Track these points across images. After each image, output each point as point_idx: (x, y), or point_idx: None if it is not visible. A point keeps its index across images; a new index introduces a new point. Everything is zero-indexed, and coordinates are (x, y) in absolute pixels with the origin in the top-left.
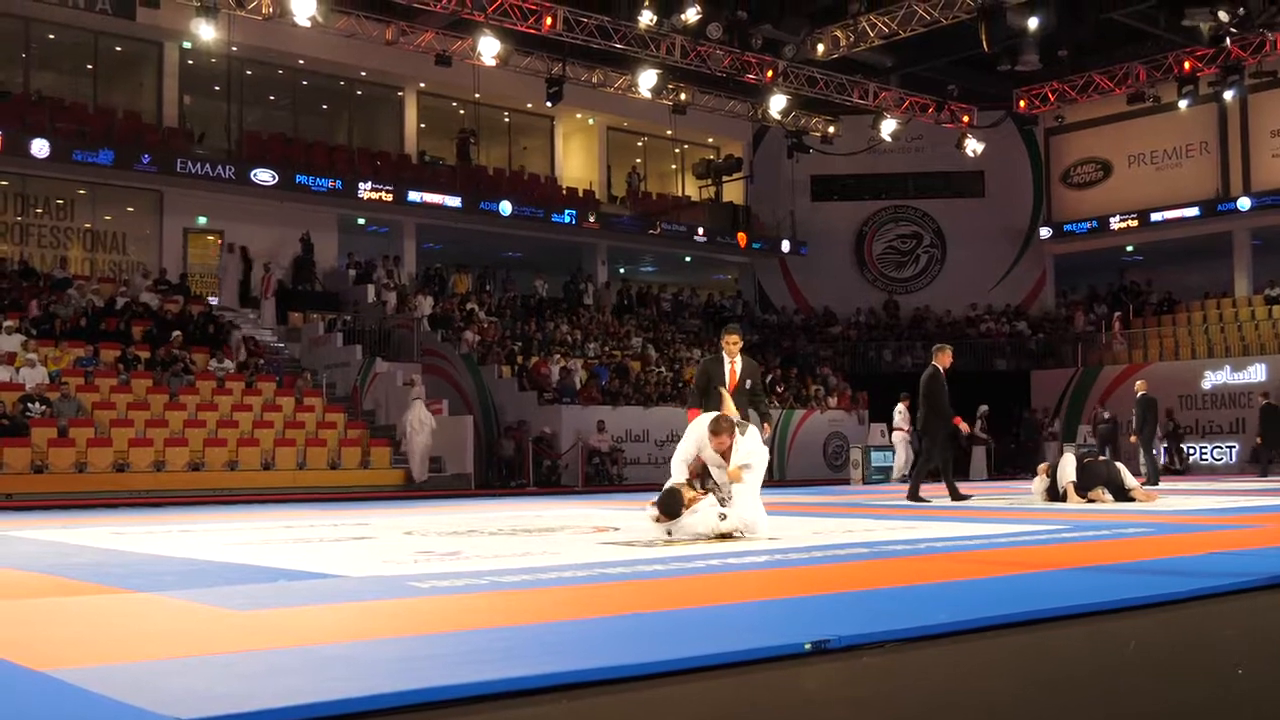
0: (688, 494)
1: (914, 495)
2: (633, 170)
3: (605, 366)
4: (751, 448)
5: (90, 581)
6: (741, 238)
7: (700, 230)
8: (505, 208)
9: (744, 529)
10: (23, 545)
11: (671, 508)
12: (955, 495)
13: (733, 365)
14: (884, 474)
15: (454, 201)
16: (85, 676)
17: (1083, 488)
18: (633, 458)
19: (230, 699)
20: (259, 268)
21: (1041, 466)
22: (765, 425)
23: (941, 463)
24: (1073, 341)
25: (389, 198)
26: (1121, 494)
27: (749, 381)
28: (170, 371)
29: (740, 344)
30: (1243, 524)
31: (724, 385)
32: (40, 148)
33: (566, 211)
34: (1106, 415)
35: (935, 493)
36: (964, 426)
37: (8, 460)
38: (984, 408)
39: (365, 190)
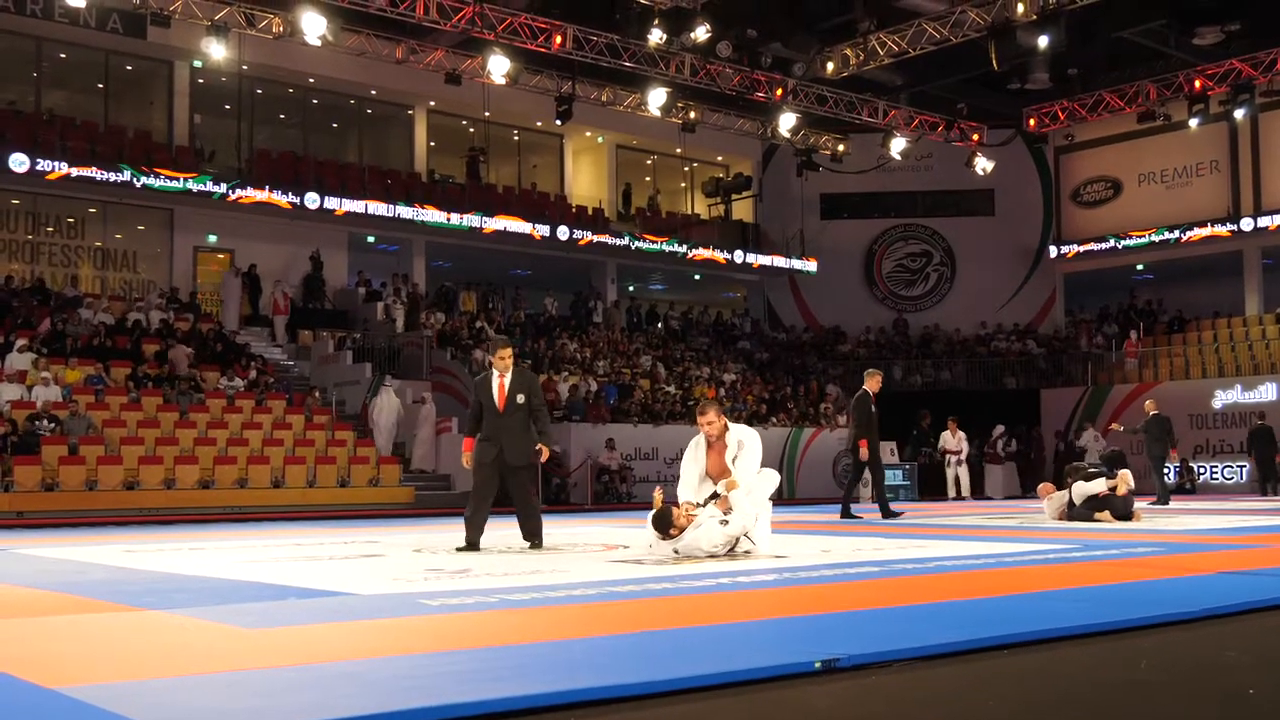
0: (681, 511)
1: (886, 513)
2: (656, 191)
3: (614, 385)
4: (750, 465)
5: (102, 599)
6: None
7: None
8: (515, 226)
9: (747, 535)
10: (34, 563)
11: (662, 524)
12: (849, 514)
13: (502, 381)
14: (894, 493)
15: (463, 219)
16: (97, 694)
17: (1090, 509)
18: (642, 475)
19: (242, 716)
20: (268, 285)
21: (1044, 487)
22: (543, 446)
23: (850, 481)
24: (1083, 360)
25: (399, 215)
26: (1125, 519)
27: (520, 396)
28: (179, 390)
29: (510, 357)
30: (1252, 544)
31: (494, 403)
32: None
33: (576, 229)
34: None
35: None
36: (864, 453)
37: (18, 478)
38: (1000, 428)
39: (375, 208)
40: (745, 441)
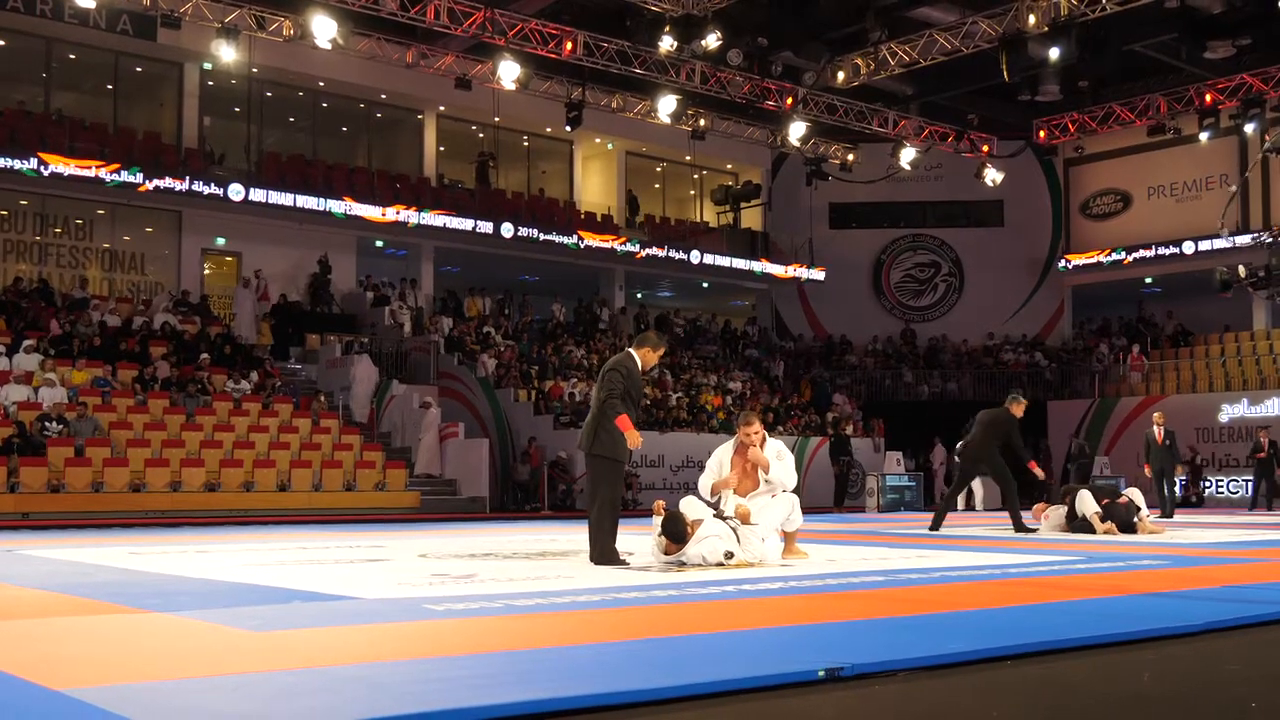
0: (691, 518)
1: (1020, 527)
2: (630, 195)
3: None
4: (790, 470)
5: (107, 601)
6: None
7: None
8: (524, 231)
9: (754, 561)
10: (40, 564)
11: (676, 532)
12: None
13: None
14: (900, 499)
15: (472, 225)
16: (102, 696)
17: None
18: (648, 483)
19: (247, 719)
20: (262, 283)
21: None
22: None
23: (1008, 496)
24: (1090, 373)
25: (407, 220)
26: (1130, 529)
27: None
28: (187, 392)
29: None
30: (1256, 558)
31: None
32: None
33: (584, 236)
34: (1087, 448)
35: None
36: (1038, 473)
37: (24, 479)
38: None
39: (384, 213)
40: (784, 452)
